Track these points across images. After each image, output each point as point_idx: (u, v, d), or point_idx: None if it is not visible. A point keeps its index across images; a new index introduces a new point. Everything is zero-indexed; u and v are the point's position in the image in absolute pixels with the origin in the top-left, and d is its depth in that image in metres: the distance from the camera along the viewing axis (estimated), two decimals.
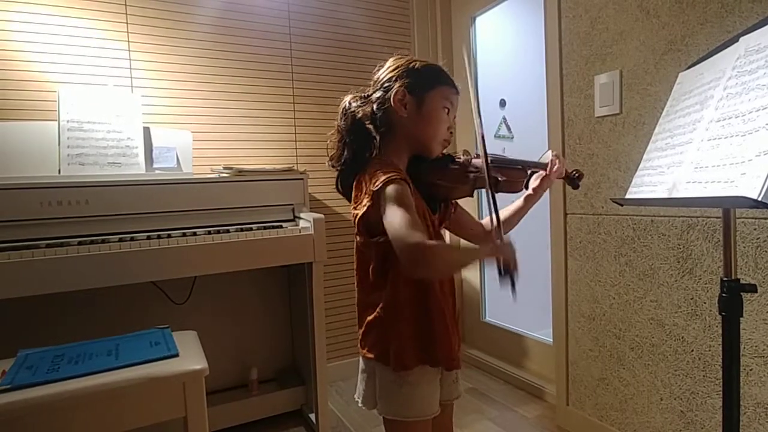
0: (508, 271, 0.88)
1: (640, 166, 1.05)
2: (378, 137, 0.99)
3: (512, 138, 2.84)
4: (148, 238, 1.54)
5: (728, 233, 0.92)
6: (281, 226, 1.76)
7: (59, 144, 1.67)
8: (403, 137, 0.99)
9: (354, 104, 1.00)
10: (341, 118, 1.02)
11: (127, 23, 1.95)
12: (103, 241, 1.47)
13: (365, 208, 0.91)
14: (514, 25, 2.77)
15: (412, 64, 1.00)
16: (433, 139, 1.00)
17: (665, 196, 0.89)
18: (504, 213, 1.10)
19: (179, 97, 2.06)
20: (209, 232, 1.62)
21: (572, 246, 1.84)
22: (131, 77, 1.97)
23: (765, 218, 1.27)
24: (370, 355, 0.98)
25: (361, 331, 1.01)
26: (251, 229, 1.70)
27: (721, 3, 1.33)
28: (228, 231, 1.65)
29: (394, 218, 0.85)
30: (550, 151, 1.13)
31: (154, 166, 1.86)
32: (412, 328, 0.95)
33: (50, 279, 1.37)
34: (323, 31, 2.35)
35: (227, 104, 2.16)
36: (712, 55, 0.95)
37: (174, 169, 1.90)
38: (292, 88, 2.29)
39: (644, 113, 1.56)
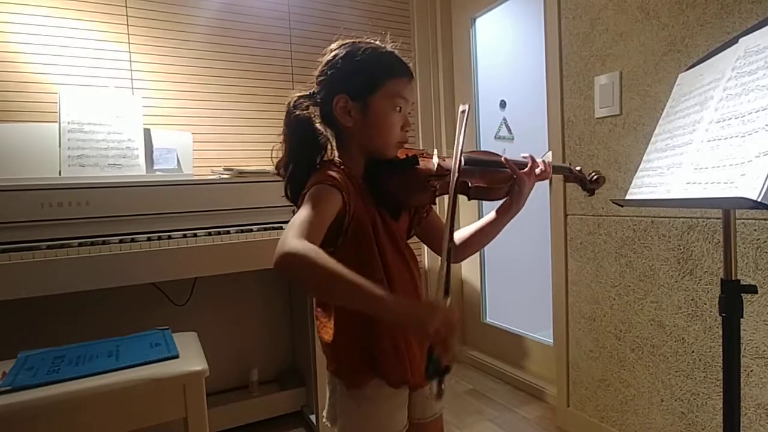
0: (434, 358, 0.63)
1: (640, 167, 1.05)
2: (330, 138, 0.91)
3: (512, 139, 2.84)
4: (149, 239, 1.54)
5: (728, 234, 0.91)
6: (281, 228, 1.76)
7: (60, 145, 1.68)
8: (353, 145, 0.90)
9: (300, 104, 0.90)
10: (286, 122, 0.90)
11: (127, 25, 1.96)
12: (103, 243, 1.47)
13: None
14: (514, 26, 2.77)
15: (354, 57, 0.87)
16: (386, 145, 0.90)
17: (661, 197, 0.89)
18: (473, 227, 1.00)
19: (180, 99, 2.06)
20: (210, 234, 1.62)
21: (572, 247, 1.84)
22: (132, 79, 1.97)
23: (765, 219, 1.27)
24: (329, 369, 0.92)
25: (321, 343, 0.94)
26: (252, 230, 1.70)
27: (721, 4, 1.34)
28: (228, 232, 1.65)
29: (295, 216, 0.75)
30: (550, 152, 1.08)
31: (155, 167, 1.86)
32: (360, 344, 0.87)
33: (51, 280, 1.38)
34: (323, 32, 2.35)
35: (228, 105, 2.16)
36: (711, 56, 0.95)
37: (174, 170, 1.90)
38: (293, 89, 2.28)
39: (644, 114, 1.56)
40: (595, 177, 1.03)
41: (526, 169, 0.97)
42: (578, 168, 1.07)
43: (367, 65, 0.87)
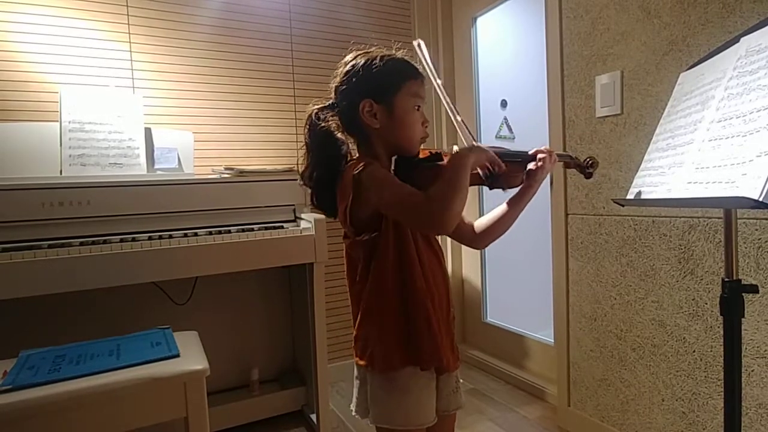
0: (494, 173, 0.89)
1: (641, 166, 1.05)
2: (354, 144, 0.98)
3: (513, 138, 2.83)
4: (150, 238, 1.54)
5: (729, 234, 0.91)
6: (282, 227, 1.76)
7: (61, 145, 1.68)
8: (379, 145, 0.96)
9: (321, 116, 0.97)
10: (309, 134, 0.97)
11: (128, 24, 1.96)
12: (104, 242, 1.48)
13: (350, 197, 0.89)
14: (516, 26, 2.76)
15: (372, 65, 0.94)
16: (411, 141, 0.97)
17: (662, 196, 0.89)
18: (494, 212, 1.06)
19: (181, 98, 2.06)
20: (210, 233, 1.62)
21: (573, 246, 1.84)
22: (133, 78, 1.97)
23: (766, 219, 1.27)
24: (361, 362, 0.96)
25: (353, 336, 0.98)
26: (252, 229, 1.70)
27: (723, 3, 1.33)
28: (229, 231, 1.65)
29: (390, 199, 0.86)
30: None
31: (156, 166, 1.86)
32: (395, 327, 0.93)
33: (52, 279, 1.38)
34: (324, 31, 2.36)
35: (228, 105, 2.16)
36: (713, 56, 0.95)
37: (175, 169, 1.90)
38: (293, 88, 2.29)
39: (645, 114, 1.56)
40: (590, 162, 1.10)
41: (542, 157, 1.03)
42: (574, 155, 1.14)
43: (386, 71, 0.94)
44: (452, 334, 1.01)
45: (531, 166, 1.01)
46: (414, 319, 0.93)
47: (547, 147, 1.04)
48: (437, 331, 0.94)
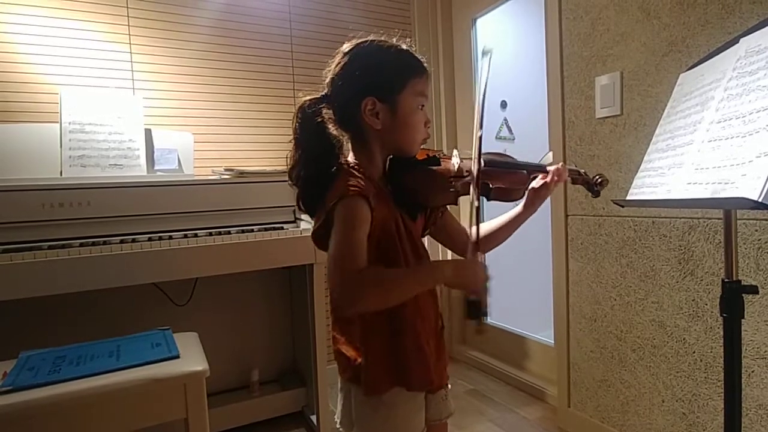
0: (475, 299, 0.78)
1: (641, 167, 1.05)
2: (347, 142, 0.90)
3: (513, 139, 2.84)
4: (150, 239, 1.55)
5: (729, 234, 0.91)
6: (282, 228, 1.76)
7: (61, 146, 1.68)
8: (376, 144, 0.89)
9: (316, 109, 0.87)
10: (299, 127, 0.88)
11: (128, 25, 1.96)
12: (104, 243, 1.48)
13: (317, 226, 0.84)
14: (515, 27, 2.77)
15: (375, 57, 0.87)
16: (413, 143, 0.90)
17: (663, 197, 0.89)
18: (493, 224, 1.01)
19: (181, 99, 2.07)
20: (210, 234, 1.62)
21: (573, 247, 1.84)
22: (133, 79, 1.97)
23: (766, 219, 1.27)
24: (345, 375, 0.91)
25: (334, 348, 0.93)
26: (252, 230, 1.70)
27: (722, 4, 1.33)
28: (229, 232, 1.65)
29: (332, 246, 0.77)
30: (551, 153, 1.09)
31: (156, 167, 1.87)
32: (382, 348, 0.86)
33: (52, 280, 1.38)
34: (324, 33, 2.36)
35: (228, 106, 2.16)
36: (712, 57, 0.95)
37: (175, 170, 1.90)
38: (293, 90, 2.29)
39: (645, 114, 1.56)
40: (599, 180, 1.05)
41: (550, 174, 0.97)
42: (583, 171, 1.09)
43: (390, 65, 0.87)
44: (442, 347, 0.96)
45: (535, 183, 0.97)
46: (402, 342, 0.87)
47: (562, 165, 0.98)
48: (427, 352, 0.89)
